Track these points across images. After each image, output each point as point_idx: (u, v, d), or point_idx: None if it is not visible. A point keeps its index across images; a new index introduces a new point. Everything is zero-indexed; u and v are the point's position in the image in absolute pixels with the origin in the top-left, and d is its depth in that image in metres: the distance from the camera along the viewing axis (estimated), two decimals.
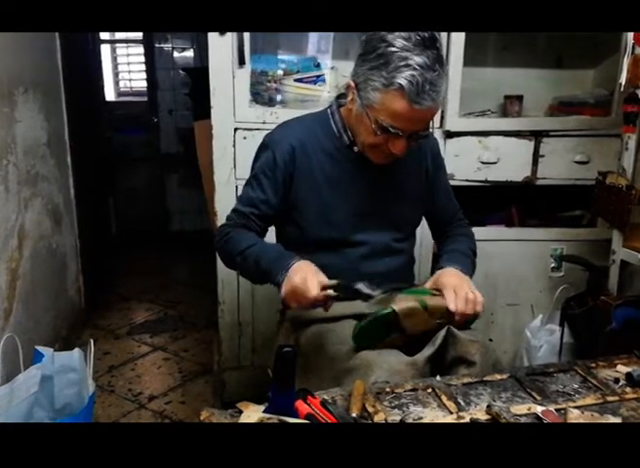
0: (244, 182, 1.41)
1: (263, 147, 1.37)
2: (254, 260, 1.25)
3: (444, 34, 1.85)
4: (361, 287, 1.23)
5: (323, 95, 1.96)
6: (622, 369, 1.17)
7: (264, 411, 0.95)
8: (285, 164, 1.32)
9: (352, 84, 1.23)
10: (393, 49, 1.13)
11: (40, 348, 1.57)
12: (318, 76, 1.99)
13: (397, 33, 1.13)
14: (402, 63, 1.12)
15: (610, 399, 1.07)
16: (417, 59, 1.11)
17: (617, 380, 1.14)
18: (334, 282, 1.18)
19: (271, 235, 1.45)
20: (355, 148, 1.33)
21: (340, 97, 1.37)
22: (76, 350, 1.61)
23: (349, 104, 1.27)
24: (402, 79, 1.12)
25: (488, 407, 1.01)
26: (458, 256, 1.38)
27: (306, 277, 1.16)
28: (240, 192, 1.45)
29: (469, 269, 1.35)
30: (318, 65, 2.01)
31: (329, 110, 1.37)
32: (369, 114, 1.20)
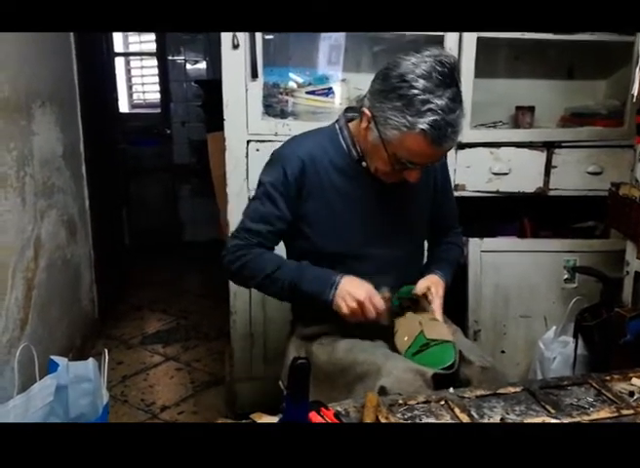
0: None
1: (273, 162, 1.36)
2: (288, 283, 1.28)
3: (455, 46, 1.86)
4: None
5: (334, 107, 1.98)
6: (637, 382, 1.17)
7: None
8: (295, 179, 1.31)
9: (368, 114, 1.22)
10: (415, 91, 1.11)
11: (55, 358, 1.58)
12: (329, 88, 2.00)
13: (418, 72, 1.11)
14: (424, 108, 1.11)
15: (625, 412, 1.06)
16: (438, 102, 1.11)
17: (631, 394, 1.13)
18: (388, 294, 1.29)
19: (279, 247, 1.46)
20: (364, 163, 1.33)
21: (348, 110, 1.37)
22: (90, 360, 1.62)
23: (364, 131, 1.25)
24: (424, 124, 1.12)
25: (501, 419, 1.00)
26: (445, 267, 1.46)
27: (369, 293, 1.24)
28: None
29: (449, 278, 1.44)
30: (329, 78, 2.03)
31: (337, 125, 1.37)
32: (387, 148, 1.20)
